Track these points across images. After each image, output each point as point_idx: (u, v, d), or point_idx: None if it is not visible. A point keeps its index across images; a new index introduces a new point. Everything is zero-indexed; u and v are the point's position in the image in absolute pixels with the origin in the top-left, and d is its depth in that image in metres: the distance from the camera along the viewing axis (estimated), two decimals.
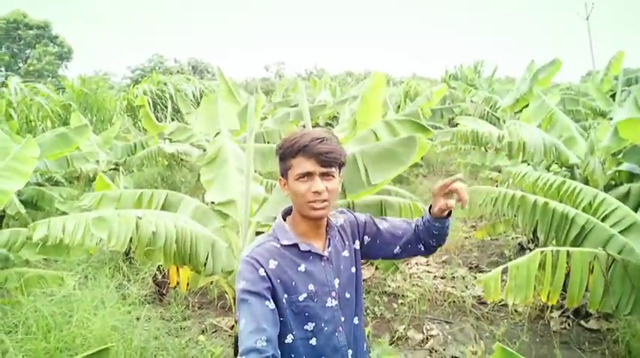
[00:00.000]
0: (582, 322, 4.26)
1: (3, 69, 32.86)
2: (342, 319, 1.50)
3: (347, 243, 1.60)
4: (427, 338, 4.26)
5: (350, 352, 1.51)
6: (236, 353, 3.15)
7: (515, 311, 4.58)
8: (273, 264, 1.39)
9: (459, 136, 5.27)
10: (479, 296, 4.95)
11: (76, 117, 7.88)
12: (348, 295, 1.54)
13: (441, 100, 10.96)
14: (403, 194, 4.43)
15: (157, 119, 11.32)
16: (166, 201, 3.32)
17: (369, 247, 1.64)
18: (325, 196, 1.39)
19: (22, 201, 5.92)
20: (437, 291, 5.05)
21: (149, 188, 8.06)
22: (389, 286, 5.19)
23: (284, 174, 1.45)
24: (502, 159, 6.37)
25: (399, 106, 11.92)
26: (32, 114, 8.98)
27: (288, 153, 1.41)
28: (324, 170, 1.39)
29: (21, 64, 33.01)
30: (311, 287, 1.43)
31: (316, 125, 10.62)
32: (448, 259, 6.18)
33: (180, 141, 7.89)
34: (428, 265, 6.02)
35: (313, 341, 1.43)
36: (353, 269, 1.59)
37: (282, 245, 1.44)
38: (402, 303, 4.70)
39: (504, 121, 9.06)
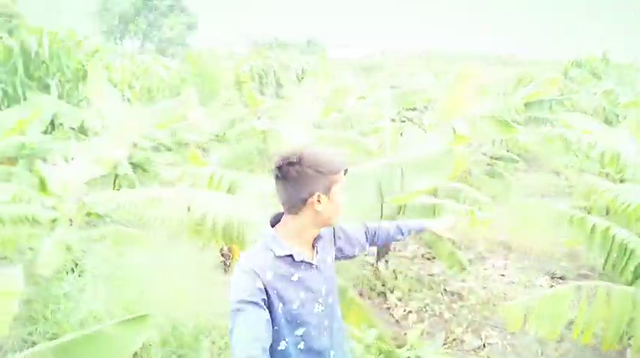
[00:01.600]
0: None
1: (141, 36, 36.44)
2: (326, 323, 1.59)
3: (329, 250, 1.70)
4: (484, 346, 4.15)
5: (332, 353, 1.61)
6: None
7: None
8: (269, 275, 1.45)
9: (546, 139, 4.86)
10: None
11: (187, 90, 8.56)
12: (330, 300, 1.63)
13: (559, 89, 10.06)
14: (475, 197, 4.26)
15: (261, 93, 11.89)
16: (233, 184, 3.60)
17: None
18: None
19: (132, 164, 6.71)
20: (506, 298, 4.83)
21: (244, 161, 8.61)
22: (454, 285, 5.07)
23: (326, 189, 1.48)
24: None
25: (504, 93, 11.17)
26: (152, 84, 9.95)
27: (335, 169, 1.50)
28: None
29: (155, 33, 36.28)
30: (302, 294, 1.50)
31: (413, 109, 10.37)
32: (530, 265, 5.83)
33: (276, 117, 8.25)
34: (505, 268, 5.75)
35: (301, 345, 1.51)
36: (335, 275, 1.70)
37: (276, 255, 1.49)
38: (462, 306, 4.60)
39: (625, 118, 8.10)
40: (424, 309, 4.56)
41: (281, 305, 1.45)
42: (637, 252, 2.52)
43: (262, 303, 1.40)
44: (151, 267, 3.90)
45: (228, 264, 4.49)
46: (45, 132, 7.26)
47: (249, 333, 1.32)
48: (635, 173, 3.63)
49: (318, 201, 1.47)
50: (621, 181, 4.21)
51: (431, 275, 5.32)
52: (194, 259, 4.27)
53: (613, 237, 2.63)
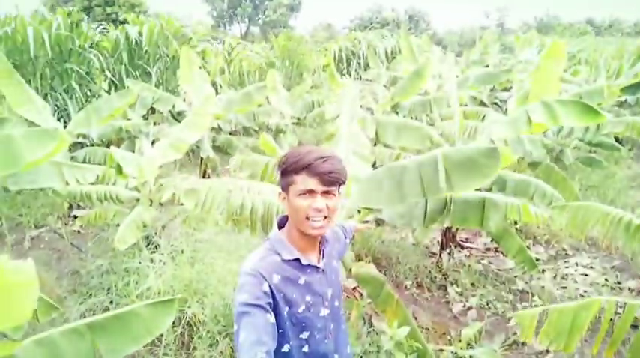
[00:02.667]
0: None
1: (246, 19, 38.02)
2: (332, 326, 1.59)
3: (335, 253, 1.69)
4: (547, 351, 3.84)
5: (336, 356, 1.61)
6: None
7: None
8: (276, 279, 1.44)
9: (632, 127, 4.25)
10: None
11: (271, 74, 8.82)
12: (337, 303, 1.62)
13: None
14: (544, 189, 3.90)
15: (349, 76, 11.87)
16: None
17: None
18: (325, 213, 1.44)
19: (215, 147, 7.15)
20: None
21: (317, 145, 8.70)
22: (523, 283, 4.72)
23: (285, 188, 1.47)
24: None
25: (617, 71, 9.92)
26: (243, 69, 10.40)
27: (291, 169, 1.43)
28: (326, 188, 1.43)
29: (260, 16, 37.60)
30: (308, 298, 1.50)
31: (506, 89, 9.65)
32: (622, 266, 5.21)
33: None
34: (591, 268, 5.21)
35: (305, 348, 1.51)
36: (340, 278, 1.69)
37: (282, 259, 1.49)
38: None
39: None
40: (486, 306, 4.33)
41: (287, 308, 1.46)
42: None
43: (268, 307, 1.39)
44: (212, 248, 4.19)
45: None
46: (144, 117, 7.98)
47: (254, 336, 1.32)
48: None
49: (283, 199, 1.49)
50: None
51: (499, 270, 5.00)
52: (253, 243, 4.50)
53: None
